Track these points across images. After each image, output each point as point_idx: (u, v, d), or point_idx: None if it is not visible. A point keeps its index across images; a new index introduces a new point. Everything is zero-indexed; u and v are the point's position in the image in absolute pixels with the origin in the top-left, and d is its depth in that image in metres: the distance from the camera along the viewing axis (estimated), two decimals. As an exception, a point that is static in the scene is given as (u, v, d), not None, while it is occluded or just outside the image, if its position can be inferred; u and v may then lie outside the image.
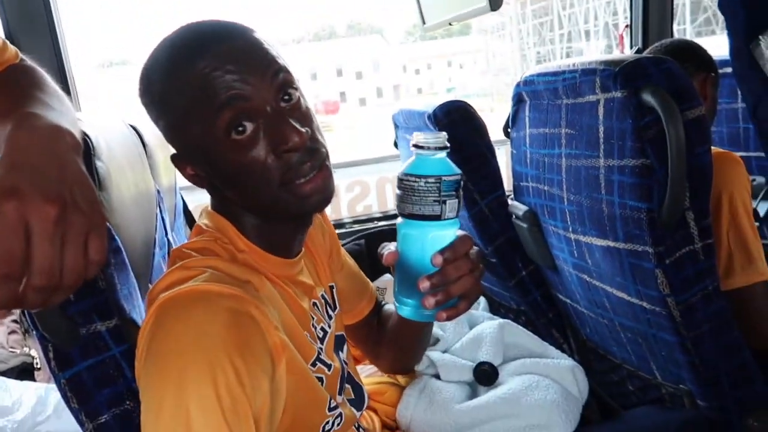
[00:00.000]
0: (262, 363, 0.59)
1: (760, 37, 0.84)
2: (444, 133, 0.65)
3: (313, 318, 0.76)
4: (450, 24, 1.45)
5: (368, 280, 0.99)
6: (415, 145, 0.65)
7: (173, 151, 0.72)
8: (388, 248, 0.68)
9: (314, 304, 0.78)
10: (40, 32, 1.43)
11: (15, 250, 0.44)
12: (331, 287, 0.87)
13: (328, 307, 0.83)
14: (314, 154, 0.66)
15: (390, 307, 0.99)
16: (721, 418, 1.01)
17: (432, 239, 0.64)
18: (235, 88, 0.62)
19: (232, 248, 0.69)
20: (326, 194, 0.68)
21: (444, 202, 0.63)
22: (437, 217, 0.63)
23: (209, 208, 0.75)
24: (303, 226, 0.76)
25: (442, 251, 0.63)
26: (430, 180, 0.63)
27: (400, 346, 0.99)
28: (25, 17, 1.42)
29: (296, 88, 0.67)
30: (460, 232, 0.67)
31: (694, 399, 1.02)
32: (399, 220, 0.67)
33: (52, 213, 0.46)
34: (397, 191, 0.65)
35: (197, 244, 0.69)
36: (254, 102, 0.63)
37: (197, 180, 0.70)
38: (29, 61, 0.69)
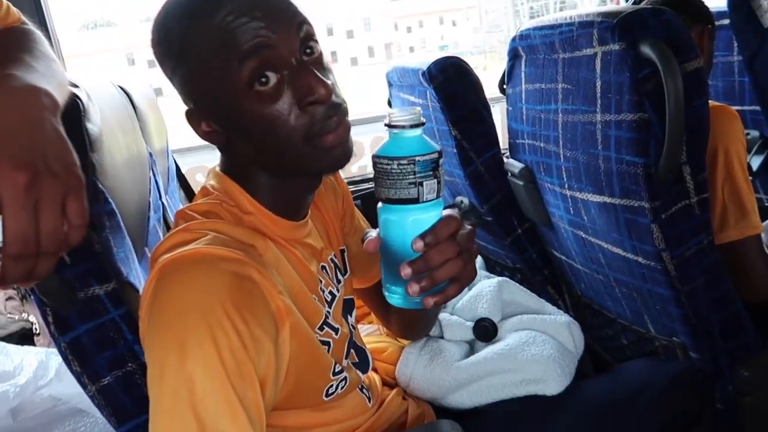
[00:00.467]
0: (265, 326, 0.59)
1: (759, -13, 0.82)
2: (418, 109, 0.60)
3: (321, 281, 0.76)
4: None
5: None
6: (387, 125, 0.60)
7: (163, 113, 0.70)
8: (370, 235, 0.65)
9: (323, 267, 0.78)
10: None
11: None
12: (342, 251, 0.86)
13: (338, 271, 0.82)
14: (338, 108, 0.64)
15: None
16: (713, 368, 1.03)
17: (412, 223, 0.60)
18: (261, 36, 0.60)
19: (237, 211, 0.68)
20: (347, 150, 0.66)
21: (420, 183, 0.59)
22: (415, 200, 0.59)
23: (217, 168, 0.73)
24: (314, 186, 0.74)
25: (422, 235, 0.59)
26: (403, 162, 0.58)
27: (405, 321, 1.00)
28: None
29: (317, 41, 0.65)
30: (447, 212, 0.62)
31: (687, 351, 1.04)
32: (378, 204, 0.63)
33: (23, 180, 0.45)
34: (374, 176, 0.61)
35: (202, 207, 0.68)
36: (280, 51, 0.61)
37: (212, 136, 0.68)
38: (30, 26, 0.68)
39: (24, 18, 0.69)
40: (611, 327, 1.25)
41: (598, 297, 1.25)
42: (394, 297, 0.64)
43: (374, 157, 0.61)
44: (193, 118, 0.67)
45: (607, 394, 1.01)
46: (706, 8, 1.31)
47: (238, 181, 0.70)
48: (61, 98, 0.55)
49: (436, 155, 0.60)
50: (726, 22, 1.46)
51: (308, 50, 0.64)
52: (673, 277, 0.95)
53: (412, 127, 0.59)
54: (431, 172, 0.59)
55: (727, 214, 1.08)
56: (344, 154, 0.66)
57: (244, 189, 0.69)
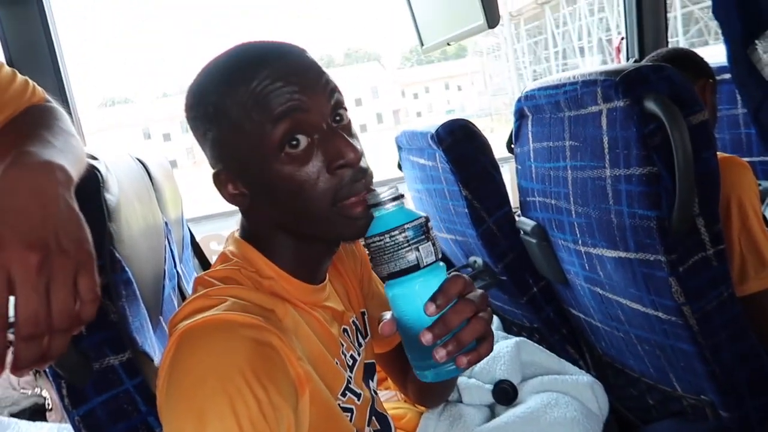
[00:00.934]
0: (284, 394, 0.58)
1: (756, 41, 0.84)
2: (395, 186, 0.63)
3: (342, 344, 0.75)
4: (448, 44, 1.46)
5: None
6: (369, 206, 0.63)
7: (178, 184, 0.72)
8: (385, 317, 0.64)
9: (344, 330, 0.77)
10: (45, 71, 1.45)
11: None
12: (363, 313, 0.85)
13: (359, 334, 0.81)
14: (365, 173, 0.66)
15: None
16: (744, 427, 0.99)
17: (420, 291, 0.60)
18: (295, 100, 0.62)
19: (257, 276, 0.68)
20: (370, 219, 0.67)
21: (417, 249, 0.59)
22: (416, 267, 0.59)
23: (236, 234, 0.74)
24: (334, 250, 0.75)
25: (432, 298, 0.59)
26: (394, 233, 0.59)
27: (423, 388, 0.97)
28: (30, 57, 1.45)
29: (346, 109, 0.67)
30: (453, 273, 0.62)
31: (716, 409, 1.00)
32: (383, 288, 0.63)
33: (34, 261, 0.46)
34: (370, 259, 0.62)
35: (221, 273, 0.68)
36: (312, 115, 0.63)
37: (237, 199, 0.68)
38: (54, 103, 0.71)
39: (48, 96, 0.73)
40: (635, 386, 1.21)
41: (619, 355, 1.22)
42: (428, 374, 0.62)
43: (366, 239, 0.62)
44: (220, 179, 0.68)
45: (636, 457, 0.97)
46: (706, 63, 1.34)
47: (257, 245, 0.70)
48: (76, 172, 0.57)
49: (423, 220, 0.61)
50: (727, 76, 1.49)
51: (338, 117, 0.66)
52: (696, 331, 0.93)
53: (393, 200, 0.61)
54: (424, 236, 0.60)
55: (746, 265, 1.07)
56: (367, 223, 0.66)
57: (263, 254, 0.70)
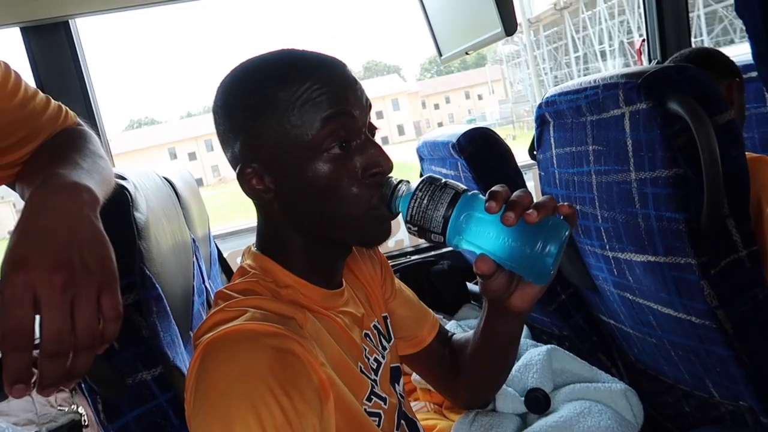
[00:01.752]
0: (308, 400, 0.59)
1: (783, 37, 0.83)
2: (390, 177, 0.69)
3: (365, 349, 0.76)
4: (467, 53, 1.46)
5: (429, 309, 0.96)
6: (387, 204, 0.68)
7: (204, 204, 0.73)
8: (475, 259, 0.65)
9: (366, 334, 0.78)
10: (74, 97, 1.50)
11: (24, 323, 0.46)
12: (385, 317, 0.86)
13: (382, 338, 0.82)
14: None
15: (462, 335, 0.95)
16: (787, 433, 0.96)
17: (479, 207, 0.62)
18: (343, 104, 0.66)
19: (274, 286, 0.70)
20: (390, 227, 0.72)
21: (445, 185, 0.64)
22: (457, 195, 0.63)
23: (252, 248, 0.76)
24: (347, 253, 0.77)
25: (488, 198, 0.61)
26: (418, 193, 0.64)
27: (482, 373, 0.92)
28: (59, 83, 1.49)
29: (375, 127, 0.72)
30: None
31: (757, 415, 0.98)
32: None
33: (59, 281, 0.47)
34: (424, 231, 0.64)
35: (239, 286, 0.70)
36: (356, 122, 0.68)
37: (261, 194, 0.70)
38: (85, 126, 0.74)
39: (79, 120, 0.75)
40: (671, 393, 1.19)
41: (653, 362, 1.19)
42: (541, 271, 0.62)
43: (407, 222, 0.65)
44: (246, 173, 0.70)
45: (674, 466, 0.95)
46: (732, 62, 1.32)
47: (273, 254, 0.72)
48: (103, 192, 0.59)
49: (428, 177, 0.66)
50: (755, 74, 1.46)
51: (370, 131, 0.71)
52: (731, 335, 0.91)
53: (399, 183, 0.67)
54: (442, 181, 0.65)
55: (781, 266, 1.04)
56: (389, 229, 0.72)
57: (279, 263, 0.72)
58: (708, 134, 0.81)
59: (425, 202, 0.63)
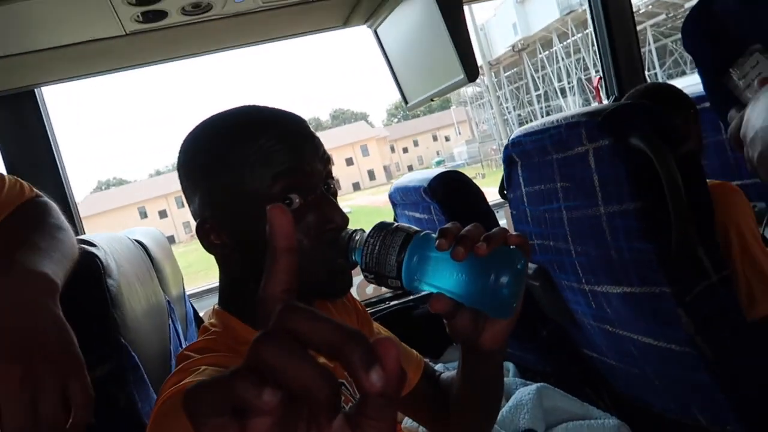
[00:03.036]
0: None
1: (731, 70, 0.87)
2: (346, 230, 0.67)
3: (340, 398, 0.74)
4: (432, 100, 1.50)
5: (412, 349, 0.95)
6: (346, 256, 0.65)
7: (177, 263, 0.72)
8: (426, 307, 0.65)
9: (341, 384, 0.76)
10: (41, 164, 1.48)
11: None
12: None
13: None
14: None
15: (449, 374, 0.94)
16: (777, 456, 0.96)
17: (430, 247, 0.60)
18: (296, 161, 0.67)
19: (232, 342, 0.69)
20: (350, 277, 0.71)
21: (397, 229, 0.62)
22: (408, 237, 0.61)
23: (216, 306, 0.75)
24: (310, 305, 0.76)
25: (437, 237, 0.58)
26: (370, 240, 0.61)
27: (469, 415, 0.90)
28: (27, 151, 1.48)
29: (334, 180, 0.72)
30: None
31: (745, 439, 0.98)
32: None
33: (16, 373, 0.47)
34: (378, 277, 0.62)
35: (198, 344, 0.69)
36: (309, 178, 0.67)
37: (218, 249, 0.70)
38: (44, 197, 0.73)
39: (36, 191, 0.73)
40: (661, 424, 1.18)
41: (639, 393, 1.19)
42: (504, 294, 0.59)
43: (363, 270, 0.63)
44: (205, 228, 0.70)
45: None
46: (686, 95, 1.38)
47: (234, 309, 0.72)
48: (64, 271, 0.58)
49: (380, 223, 0.64)
50: (708, 104, 1.52)
51: (325, 186, 0.70)
52: (711, 361, 0.92)
53: (354, 233, 0.65)
54: (393, 224, 0.62)
55: (753, 289, 1.06)
56: (350, 279, 0.71)
57: (240, 318, 0.71)
58: (670, 166, 0.84)
59: (377, 248, 0.61)
